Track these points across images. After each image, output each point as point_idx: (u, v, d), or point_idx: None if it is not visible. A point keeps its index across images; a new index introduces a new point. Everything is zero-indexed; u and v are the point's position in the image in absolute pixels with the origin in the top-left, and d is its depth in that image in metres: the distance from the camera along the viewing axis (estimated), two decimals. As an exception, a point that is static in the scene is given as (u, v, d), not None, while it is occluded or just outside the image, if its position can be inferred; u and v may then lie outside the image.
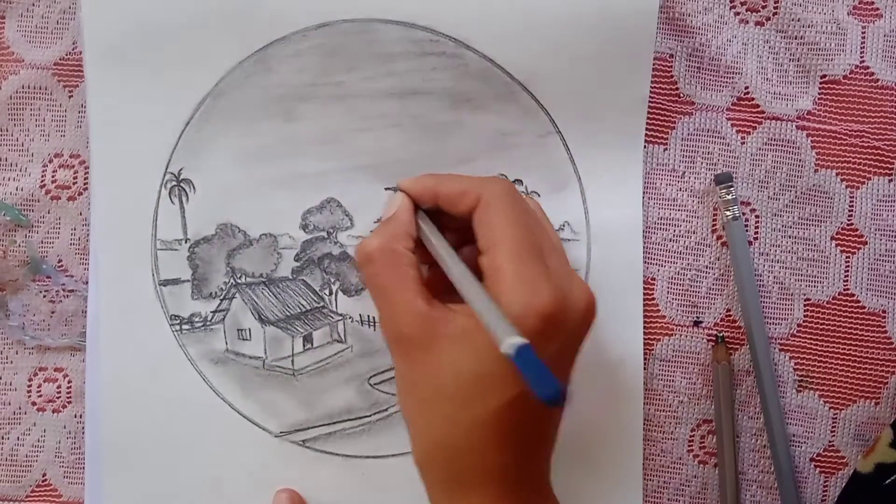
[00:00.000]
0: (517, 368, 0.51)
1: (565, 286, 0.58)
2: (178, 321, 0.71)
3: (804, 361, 0.71)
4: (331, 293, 0.71)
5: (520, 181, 0.70)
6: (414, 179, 0.64)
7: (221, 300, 0.71)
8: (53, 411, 0.72)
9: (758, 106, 0.71)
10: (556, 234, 0.67)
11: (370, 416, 0.71)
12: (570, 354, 0.61)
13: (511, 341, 0.52)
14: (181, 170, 0.70)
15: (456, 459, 0.58)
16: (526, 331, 0.54)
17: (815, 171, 0.71)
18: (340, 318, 0.71)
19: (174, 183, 0.70)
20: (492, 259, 0.58)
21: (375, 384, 0.71)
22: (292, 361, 0.71)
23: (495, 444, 0.57)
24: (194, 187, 0.70)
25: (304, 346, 0.71)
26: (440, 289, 0.61)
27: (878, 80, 0.71)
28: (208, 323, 0.71)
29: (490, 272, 0.57)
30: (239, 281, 0.71)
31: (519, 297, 0.55)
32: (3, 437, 0.72)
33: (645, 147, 0.71)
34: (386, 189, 0.69)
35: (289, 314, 0.71)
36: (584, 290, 0.60)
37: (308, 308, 0.72)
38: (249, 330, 0.71)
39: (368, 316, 0.71)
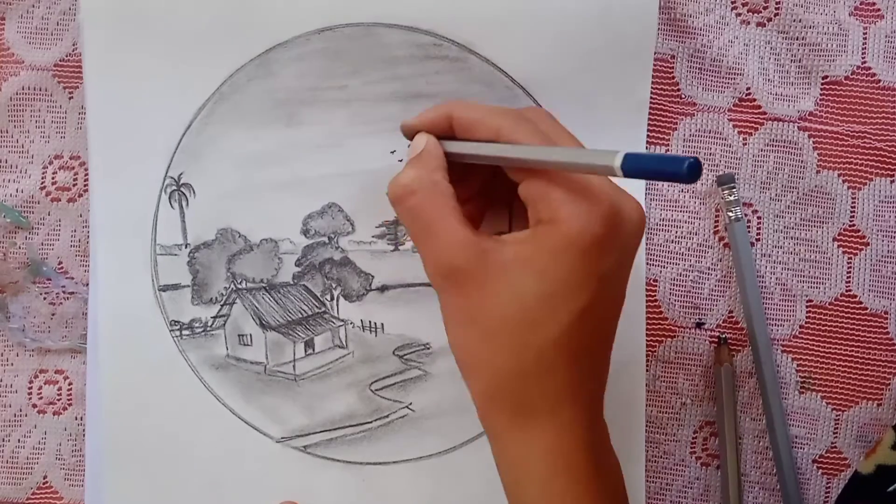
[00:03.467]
0: (641, 175, 0.51)
1: (617, 194, 0.57)
2: (178, 327, 0.71)
3: (806, 363, 0.71)
4: (332, 298, 0.71)
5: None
6: (424, 113, 0.63)
7: (222, 305, 0.71)
8: (54, 413, 0.72)
9: (759, 107, 0.71)
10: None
11: (371, 422, 0.71)
12: (628, 266, 0.60)
13: (618, 157, 0.50)
14: (181, 174, 0.70)
15: (527, 385, 0.57)
16: (591, 238, 0.55)
17: (817, 172, 0.71)
18: (342, 323, 0.71)
19: (174, 187, 0.70)
20: (535, 182, 0.57)
21: (377, 390, 0.71)
22: (293, 367, 0.71)
23: (566, 363, 0.57)
24: (194, 192, 0.70)
25: (305, 351, 0.71)
26: (476, 227, 0.61)
27: (879, 80, 0.71)
28: (209, 328, 0.71)
29: (537, 195, 0.57)
30: (239, 286, 0.71)
31: (579, 206, 0.55)
32: (3, 440, 0.72)
33: (647, 148, 0.71)
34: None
35: (290, 319, 0.71)
36: (634, 200, 0.59)
37: (309, 313, 0.71)
38: (250, 335, 0.71)
39: (370, 322, 0.71)
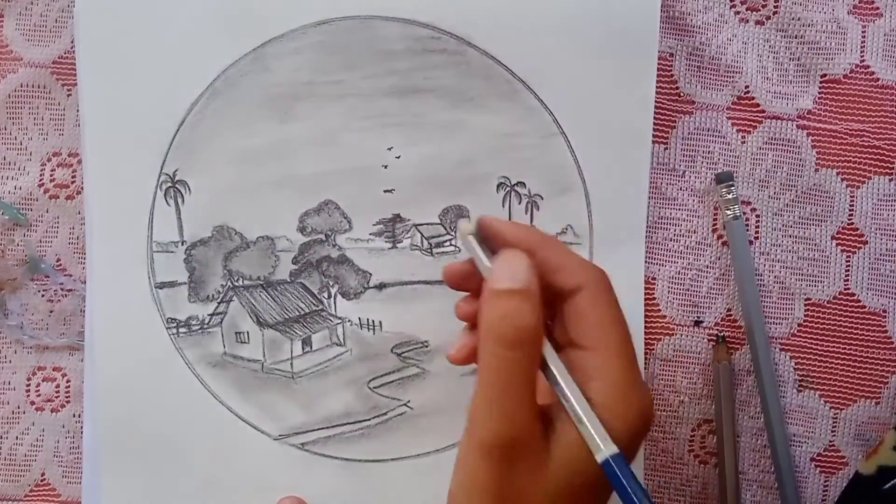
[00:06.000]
0: (610, 477, 0.52)
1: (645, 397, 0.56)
2: (174, 324, 0.70)
3: (805, 361, 0.71)
4: (329, 296, 0.71)
5: (522, 184, 0.70)
6: (517, 227, 0.58)
7: (219, 303, 0.71)
8: (52, 411, 0.72)
9: (758, 105, 0.71)
10: None
11: (369, 419, 0.71)
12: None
13: (608, 451, 0.52)
14: (176, 171, 0.70)
15: None
16: (631, 437, 0.54)
17: (816, 170, 0.71)
18: (339, 321, 0.71)
19: (169, 184, 0.70)
20: (597, 358, 0.54)
21: (374, 388, 0.71)
22: (291, 364, 0.71)
23: None
24: (189, 189, 0.70)
25: (302, 349, 0.71)
26: None
27: (878, 79, 0.71)
28: (206, 326, 0.71)
29: (591, 372, 0.54)
30: (236, 284, 0.71)
31: (629, 405, 0.54)
32: (1, 437, 0.72)
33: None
34: (463, 219, 0.65)
35: (287, 317, 0.71)
36: (648, 397, 0.57)
37: (306, 311, 0.71)
38: (247, 333, 0.71)
39: (368, 319, 0.71)
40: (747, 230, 0.71)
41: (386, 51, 0.70)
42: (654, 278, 0.71)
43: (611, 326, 0.55)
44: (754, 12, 0.71)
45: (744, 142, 0.71)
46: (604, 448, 0.52)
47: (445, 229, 0.70)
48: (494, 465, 0.52)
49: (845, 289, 0.71)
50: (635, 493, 0.51)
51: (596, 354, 0.54)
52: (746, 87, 0.71)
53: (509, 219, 0.70)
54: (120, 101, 0.70)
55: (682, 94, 0.71)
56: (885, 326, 0.71)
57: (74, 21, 0.70)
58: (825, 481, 0.72)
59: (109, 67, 0.70)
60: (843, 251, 0.71)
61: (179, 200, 0.70)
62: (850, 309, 0.71)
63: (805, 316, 0.71)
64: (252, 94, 0.70)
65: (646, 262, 0.71)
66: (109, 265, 0.70)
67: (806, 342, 0.71)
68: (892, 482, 0.66)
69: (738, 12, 0.71)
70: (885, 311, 0.71)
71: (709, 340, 0.71)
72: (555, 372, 0.54)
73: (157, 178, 0.70)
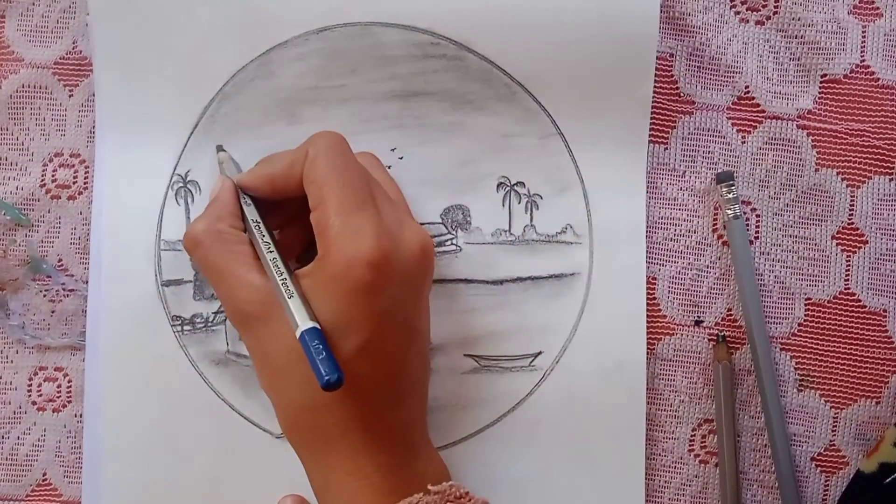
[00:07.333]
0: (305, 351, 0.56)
1: (395, 231, 0.59)
2: (179, 322, 0.70)
3: (805, 361, 0.71)
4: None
5: (522, 183, 0.70)
6: (247, 173, 0.66)
7: (223, 301, 0.71)
8: (53, 411, 0.72)
9: (758, 105, 0.71)
10: (395, 184, 0.68)
11: (371, 417, 0.71)
12: (413, 300, 0.62)
13: (302, 327, 0.56)
14: (188, 172, 0.70)
15: (318, 418, 0.60)
16: (355, 281, 0.57)
17: (816, 170, 0.71)
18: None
19: (181, 185, 0.70)
20: (320, 214, 0.59)
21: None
22: (294, 363, 0.71)
23: (351, 395, 0.58)
24: (200, 189, 0.70)
25: (305, 347, 0.71)
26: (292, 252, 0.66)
27: (878, 79, 0.71)
28: (210, 324, 0.71)
29: (319, 228, 0.59)
30: (241, 282, 0.71)
31: (344, 249, 0.57)
32: (3, 437, 0.72)
33: (648, 146, 0.71)
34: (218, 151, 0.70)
35: (290, 316, 0.71)
36: (417, 233, 0.61)
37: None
38: (251, 331, 0.71)
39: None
40: (747, 230, 0.71)
41: (387, 56, 0.70)
42: (654, 278, 0.71)
43: (324, 182, 0.60)
44: (754, 12, 0.71)
45: (744, 142, 0.71)
46: (298, 326, 0.57)
47: (447, 228, 0.70)
48: (241, 331, 0.63)
49: (845, 288, 0.71)
50: (322, 363, 0.55)
51: (317, 211, 0.60)
52: (746, 87, 0.71)
53: (509, 218, 0.70)
54: (136, 105, 0.70)
55: (682, 95, 0.71)
56: (885, 326, 0.71)
57: (89, 27, 0.70)
58: (826, 481, 0.72)
59: (125, 72, 0.70)
60: (843, 251, 0.71)
61: (189, 200, 0.70)
62: (851, 308, 0.71)
63: (805, 316, 0.71)
64: (259, 98, 0.70)
65: (646, 261, 0.71)
66: (116, 263, 0.70)
67: (806, 342, 0.71)
68: (893, 476, 0.66)
69: (738, 12, 0.71)
70: (885, 311, 0.71)
71: (709, 340, 0.71)
72: (262, 263, 0.61)
73: (169, 178, 0.70)
